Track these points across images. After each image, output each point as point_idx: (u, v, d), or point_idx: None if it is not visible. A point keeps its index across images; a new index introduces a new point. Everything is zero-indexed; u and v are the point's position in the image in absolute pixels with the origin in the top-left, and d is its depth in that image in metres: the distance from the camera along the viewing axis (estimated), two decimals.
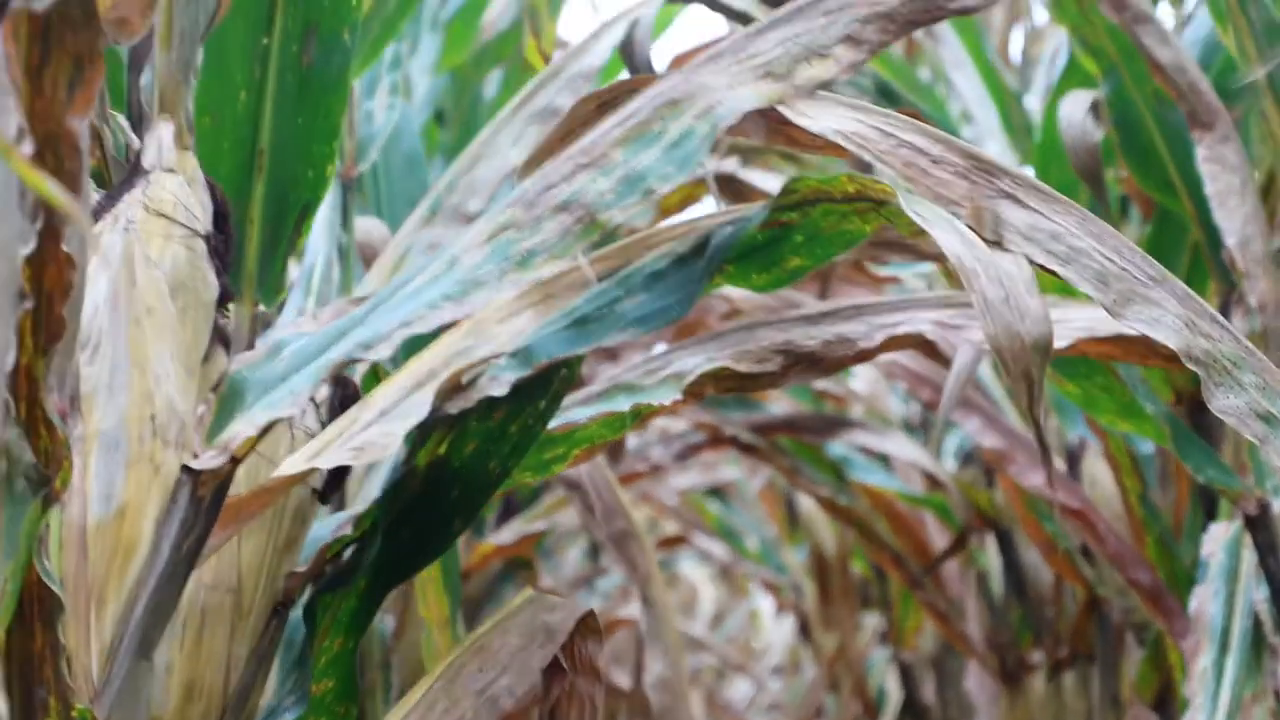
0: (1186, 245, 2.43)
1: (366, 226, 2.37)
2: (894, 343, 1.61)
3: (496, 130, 2.04)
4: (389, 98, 2.35)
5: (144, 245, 1.23)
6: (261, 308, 1.65)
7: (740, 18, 2.12)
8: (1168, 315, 1.28)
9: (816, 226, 1.30)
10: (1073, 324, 1.62)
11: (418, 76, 2.74)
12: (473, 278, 1.21)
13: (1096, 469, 2.63)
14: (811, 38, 1.20)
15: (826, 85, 1.18)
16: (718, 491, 4.47)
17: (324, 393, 1.56)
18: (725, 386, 1.58)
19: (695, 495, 4.31)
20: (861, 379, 3.55)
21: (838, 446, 3.11)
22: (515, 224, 1.22)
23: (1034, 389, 1.11)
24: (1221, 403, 1.27)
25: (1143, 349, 1.64)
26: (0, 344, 0.76)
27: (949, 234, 1.13)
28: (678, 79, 1.22)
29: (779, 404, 3.40)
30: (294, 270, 2.18)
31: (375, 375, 1.51)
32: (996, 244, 1.26)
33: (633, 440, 3.25)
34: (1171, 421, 2.11)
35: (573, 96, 1.99)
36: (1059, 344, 1.48)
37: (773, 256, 1.34)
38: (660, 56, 2.21)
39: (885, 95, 2.41)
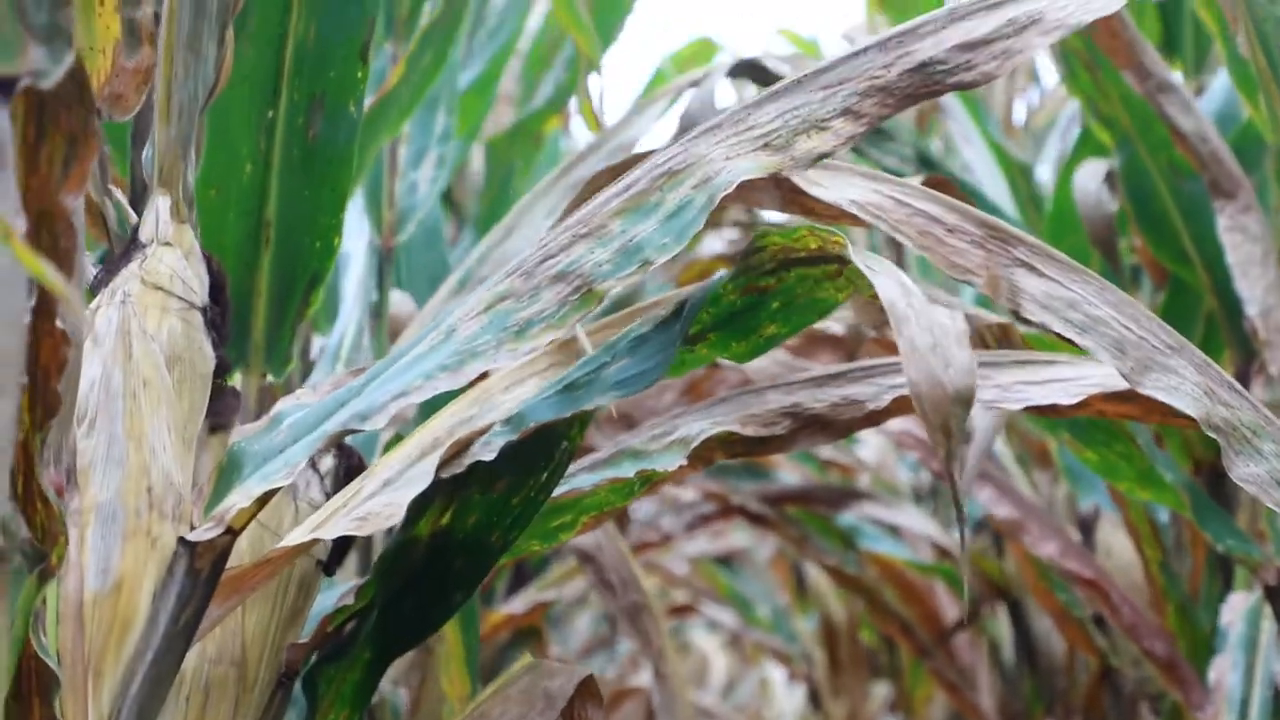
0: (1201, 314, 2.43)
1: (393, 300, 2.37)
2: (903, 403, 1.60)
3: (533, 202, 2.05)
4: (434, 170, 2.36)
5: (140, 319, 1.23)
6: (270, 379, 1.66)
7: None
8: (1186, 383, 1.28)
9: (792, 293, 1.31)
10: (1086, 381, 1.61)
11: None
12: (470, 348, 1.21)
13: (1112, 537, 2.62)
14: (810, 110, 1.20)
15: (825, 156, 1.18)
16: (728, 559, 4.46)
17: (328, 463, 1.56)
18: (733, 451, 1.57)
19: (705, 563, 4.30)
20: (869, 447, 3.54)
21: (847, 516, 3.10)
22: (513, 294, 1.22)
23: (953, 440, 1.10)
24: (1242, 471, 1.27)
25: (1162, 408, 1.63)
26: (5, 421, 0.76)
27: (889, 282, 1.14)
28: (676, 150, 1.22)
29: (788, 473, 3.39)
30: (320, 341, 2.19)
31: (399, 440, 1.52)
32: (1014, 312, 1.26)
33: (643, 509, 3.24)
34: (1191, 490, 2.10)
35: None
36: (1070, 400, 1.48)
37: (750, 324, 1.34)
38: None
39: (925, 164, 2.41)
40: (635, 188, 1.22)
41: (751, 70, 2.06)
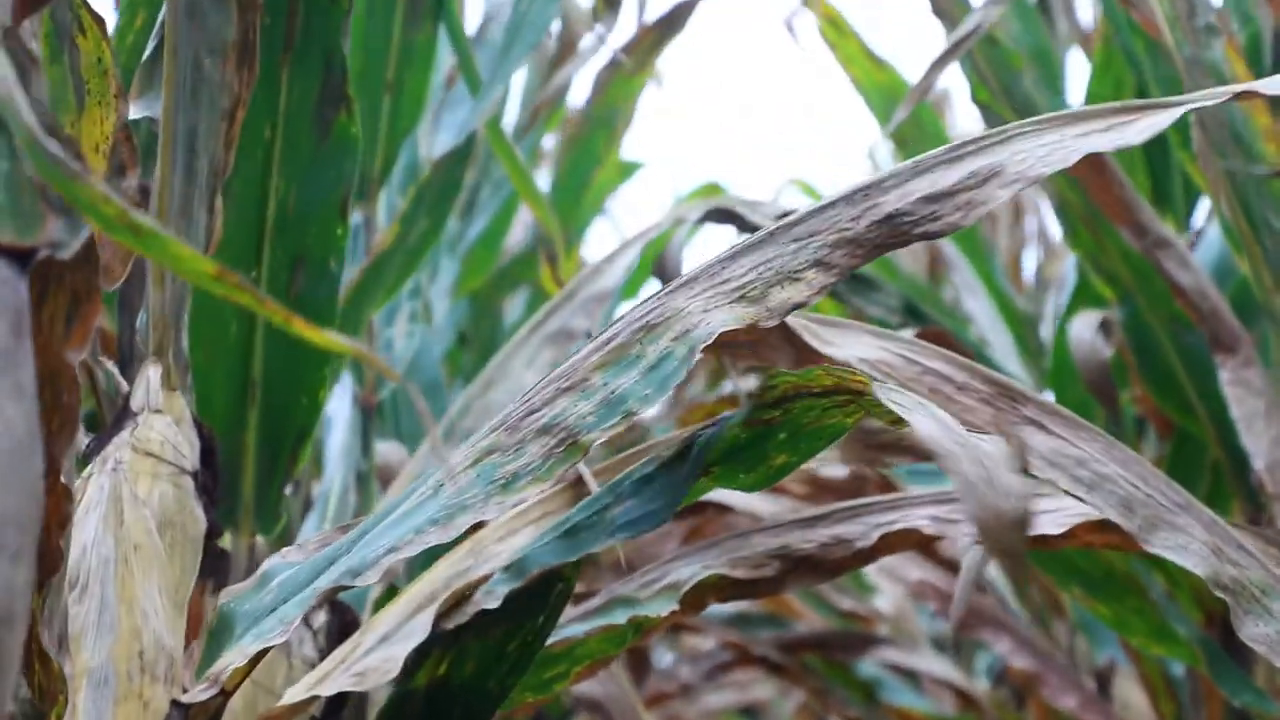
0: (1207, 465, 2.45)
1: (385, 451, 2.40)
2: (891, 540, 1.63)
3: (511, 353, 2.08)
4: (408, 325, 2.41)
5: (132, 485, 1.26)
6: (260, 538, 1.69)
7: None
8: (1194, 542, 1.31)
9: (798, 423, 1.33)
10: (1070, 511, 1.63)
11: (437, 301, 2.80)
12: (458, 502, 1.24)
13: (1129, 691, 2.63)
14: (783, 262, 1.24)
15: (800, 306, 1.22)
16: (751, 710, 4.44)
17: (321, 620, 1.59)
18: (724, 595, 1.60)
19: (728, 716, 4.28)
20: (887, 598, 3.55)
21: (868, 666, 3.10)
22: (499, 448, 1.25)
23: (1020, 565, 1.12)
24: (1251, 630, 1.30)
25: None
26: (22, 586, 0.79)
27: (926, 419, 1.17)
28: (653, 304, 1.26)
29: (808, 622, 3.40)
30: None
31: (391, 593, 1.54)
32: (1022, 470, 1.30)
33: (661, 659, 3.24)
34: (1205, 644, 2.12)
35: (587, 319, 2.04)
36: (1056, 530, 1.50)
37: (758, 455, 1.36)
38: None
39: (912, 314, 2.46)
40: (615, 341, 1.26)
41: (723, 216, 2.11)
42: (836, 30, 2.97)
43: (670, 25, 3.21)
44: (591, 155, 3.33)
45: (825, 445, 1.40)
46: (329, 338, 0.80)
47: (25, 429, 0.77)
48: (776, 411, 1.31)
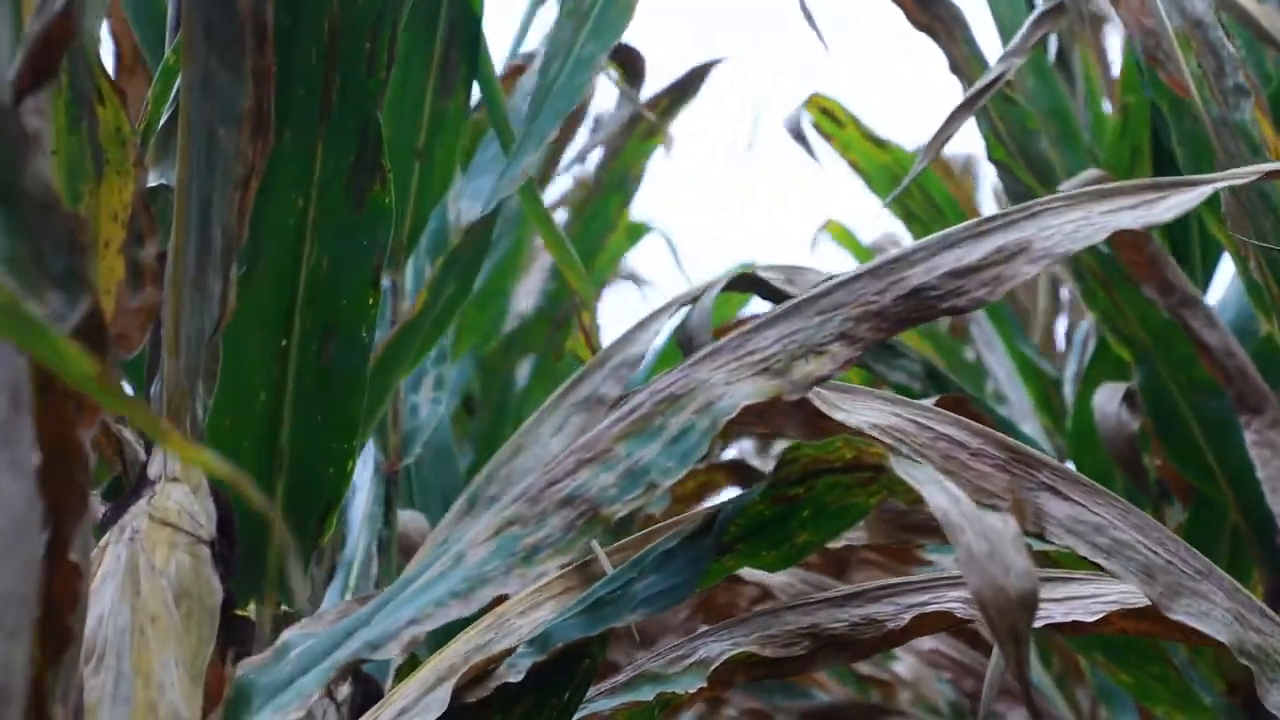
0: (1227, 530, 2.44)
1: (405, 519, 2.41)
2: (923, 622, 1.62)
3: (539, 420, 2.09)
4: (433, 391, 2.42)
5: (149, 555, 1.27)
6: (285, 608, 1.69)
7: None
8: (1217, 609, 1.31)
9: (822, 501, 1.34)
10: (1106, 598, 1.63)
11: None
12: (479, 574, 1.25)
13: None
14: (807, 335, 1.25)
15: (824, 380, 1.23)
16: None
17: (345, 692, 1.59)
18: (753, 673, 1.59)
19: None
20: (905, 663, 3.54)
21: None
22: (520, 519, 1.26)
23: (1021, 646, 1.12)
24: (1276, 699, 1.30)
25: (1184, 627, 1.65)
26: (17, 664, 0.80)
27: (937, 491, 1.17)
28: (677, 375, 1.27)
29: (826, 690, 3.39)
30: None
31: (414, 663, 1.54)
32: (1038, 536, 1.29)
33: None
34: (1229, 712, 2.10)
35: (618, 385, 2.04)
36: (1091, 618, 1.50)
37: (781, 533, 1.37)
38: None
39: (934, 379, 2.46)
40: (638, 412, 1.26)
41: (751, 284, 2.12)
42: (833, 121, 3.01)
43: (684, 90, 3.26)
44: (604, 219, 3.36)
45: (848, 525, 1.40)
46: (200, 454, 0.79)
47: (23, 505, 0.78)
48: (800, 488, 1.32)
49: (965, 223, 1.27)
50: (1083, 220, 1.25)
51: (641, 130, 3.29)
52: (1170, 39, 1.77)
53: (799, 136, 2.96)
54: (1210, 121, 1.75)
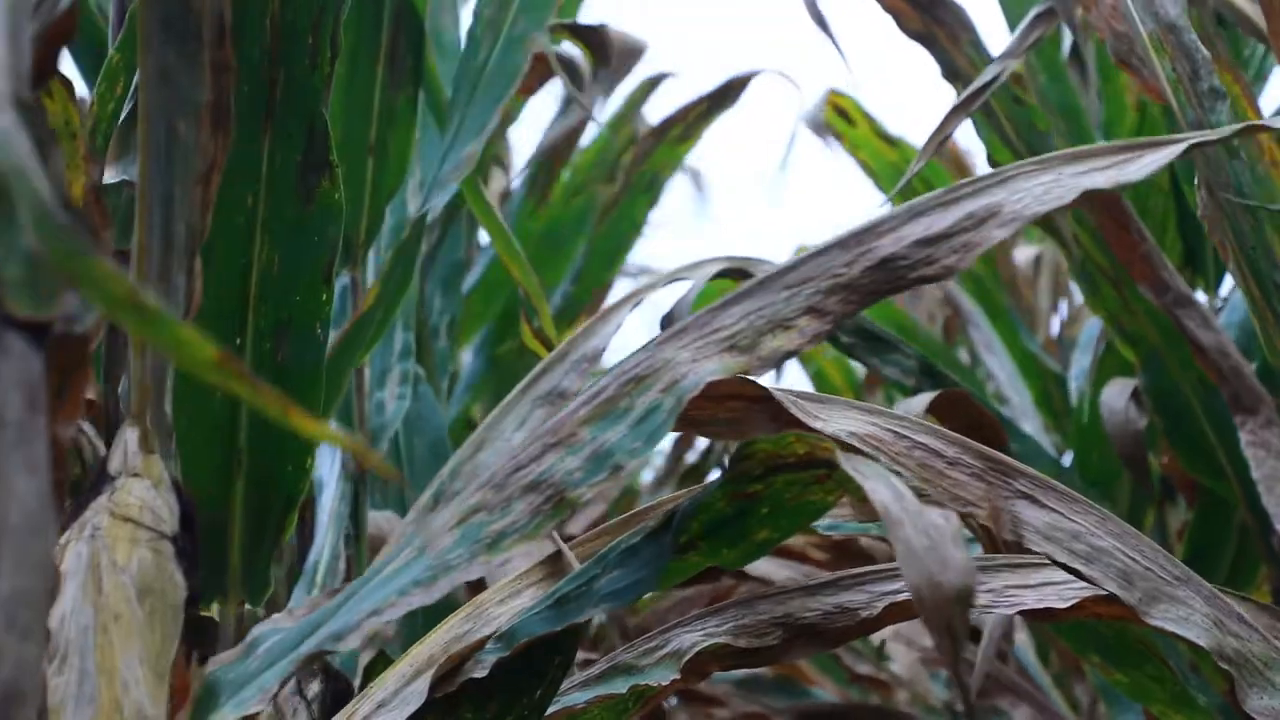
0: (1234, 528, 2.45)
1: (379, 519, 2.40)
2: (896, 610, 1.62)
3: (501, 415, 2.08)
4: (399, 387, 2.41)
5: (110, 552, 1.26)
6: (248, 606, 1.68)
7: None
8: (1196, 614, 1.32)
9: (780, 498, 1.34)
10: (1079, 583, 1.64)
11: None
12: (442, 562, 1.24)
13: None
14: (774, 310, 1.25)
15: (791, 355, 1.22)
16: None
17: (315, 689, 1.58)
18: (726, 664, 1.59)
19: None
20: (901, 663, 3.55)
21: None
22: (485, 506, 1.25)
23: (956, 640, 1.12)
24: (1255, 704, 1.31)
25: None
26: (33, 665, 0.79)
27: (881, 486, 1.17)
28: (642, 355, 1.26)
29: (822, 688, 3.40)
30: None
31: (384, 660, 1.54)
32: (1016, 544, 1.30)
33: None
34: (1226, 712, 2.10)
35: (579, 379, 2.03)
36: (1063, 604, 1.50)
37: (741, 530, 1.37)
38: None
39: (929, 375, 2.46)
40: (604, 394, 1.26)
41: (739, 275, 2.11)
42: (845, 120, 3.01)
43: (721, 99, 3.26)
44: (629, 220, 3.36)
45: (807, 522, 1.41)
46: (327, 430, 0.80)
47: (38, 505, 0.78)
48: (759, 485, 1.32)
49: (934, 191, 1.27)
50: (1053, 182, 1.25)
51: (675, 134, 3.29)
52: (1144, 43, 1.77)
53: (819, 133, 2.96)
54: (1186, 126, 1.75)
